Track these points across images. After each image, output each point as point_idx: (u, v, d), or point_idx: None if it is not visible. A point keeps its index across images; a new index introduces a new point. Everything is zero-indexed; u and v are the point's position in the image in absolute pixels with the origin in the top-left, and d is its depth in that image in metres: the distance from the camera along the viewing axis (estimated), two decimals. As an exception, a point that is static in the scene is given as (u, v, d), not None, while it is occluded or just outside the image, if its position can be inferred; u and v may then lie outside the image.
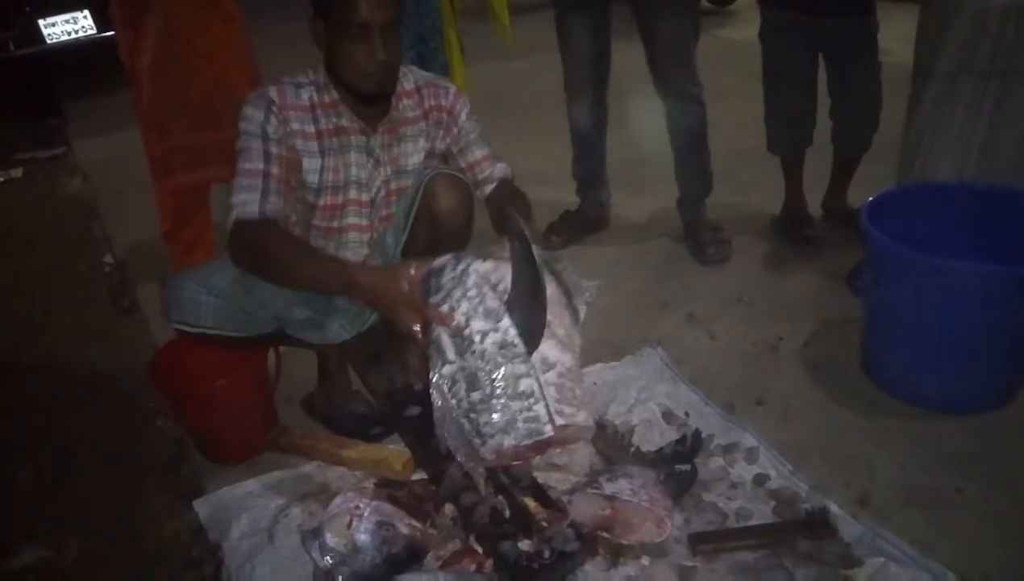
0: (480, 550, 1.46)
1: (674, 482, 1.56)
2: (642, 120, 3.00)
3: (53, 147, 3.85)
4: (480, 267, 1.37)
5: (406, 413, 1.77)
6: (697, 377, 1.99)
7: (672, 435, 1.76)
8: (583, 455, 1.70)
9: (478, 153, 1.78)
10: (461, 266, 1.36)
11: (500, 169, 1.80)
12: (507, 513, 1.49)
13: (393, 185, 1.75)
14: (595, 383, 1.98)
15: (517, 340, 1.29)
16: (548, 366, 1.36)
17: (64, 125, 3.85)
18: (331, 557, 1.37)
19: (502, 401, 1.29)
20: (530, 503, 1.50)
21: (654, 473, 1.54)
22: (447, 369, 1.32)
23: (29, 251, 3.12)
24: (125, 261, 2.75)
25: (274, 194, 1.58)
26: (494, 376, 1.28)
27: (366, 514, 1.41)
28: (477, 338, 1.29)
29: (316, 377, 1.97)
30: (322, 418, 1.93)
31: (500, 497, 1.51)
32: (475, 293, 1.32)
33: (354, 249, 1.78)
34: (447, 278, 1.34)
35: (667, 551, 1.45)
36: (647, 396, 1.91)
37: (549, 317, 1.41)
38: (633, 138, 3.20)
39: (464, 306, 1.31)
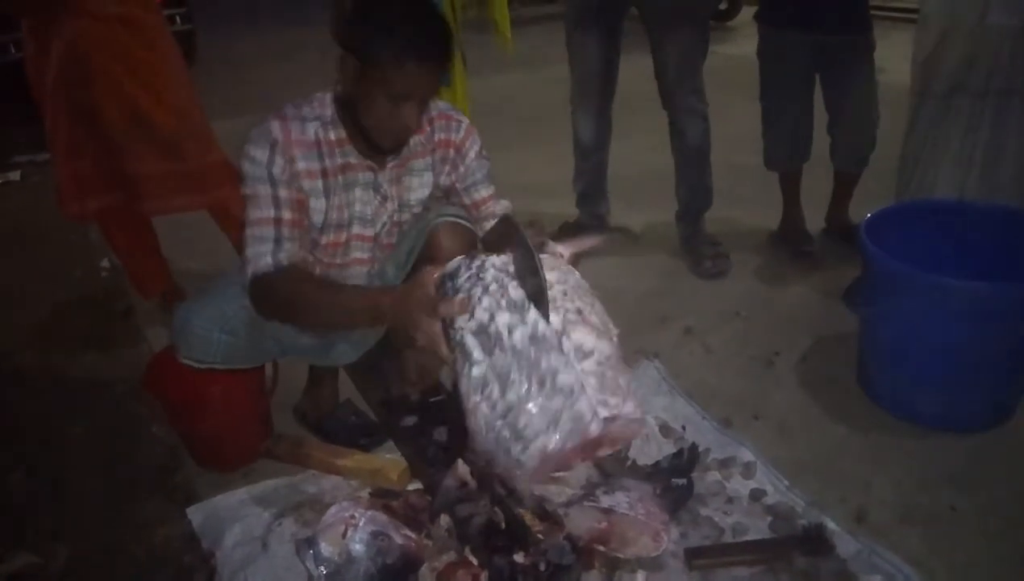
0: (475, 562, 1.45)
1: (671, 496, 1.55)
2: (641, 133, 3.01)
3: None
4: (496, 260, 1.28)
5: (402, 423, 1.77)
6: (694, 391, 1.99)
7: (669, 449, 1.76)
8: (580, 467, 1.70)
9: (483, 193, 1.75)
10: (476, 263, 1.27)
11: (501, 206, 1.78)
12: (503, 525, 1.48)
13: (396, 217, 1.71)
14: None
15: (549, 331, 1.20)
16: (585, 354, 1.26)
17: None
18: (325, 567, 1.37)
19: (540, 400, 1.18)
20: (526, 515, 1.49)
21: (651, 487, 1.54)
22: (476, 371, 1.20)
23: (25, 254, 3.12)
24: (121, 266, 2.76)
25: (288, 241, 1.51)
26: (529, 373, 1.18)
27: (361, 524, 1.40)
28: (505, 333, 1.18)
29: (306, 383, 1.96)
30: (312, 427, 1.92)
31: (496, 508, 1.50)
32: (496, 287, 1.21)
33: (355, 277, 1.75)
34: (463, 278, 1.24)
35: (663, 565, 1.45)
36: (644, 409, 1.90)
37: (579, 304, 1.32)
38: (632, 151, 3.21)
39: (486, 301, 1.20)
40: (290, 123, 1.52)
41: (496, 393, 1.19)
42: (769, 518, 1.56)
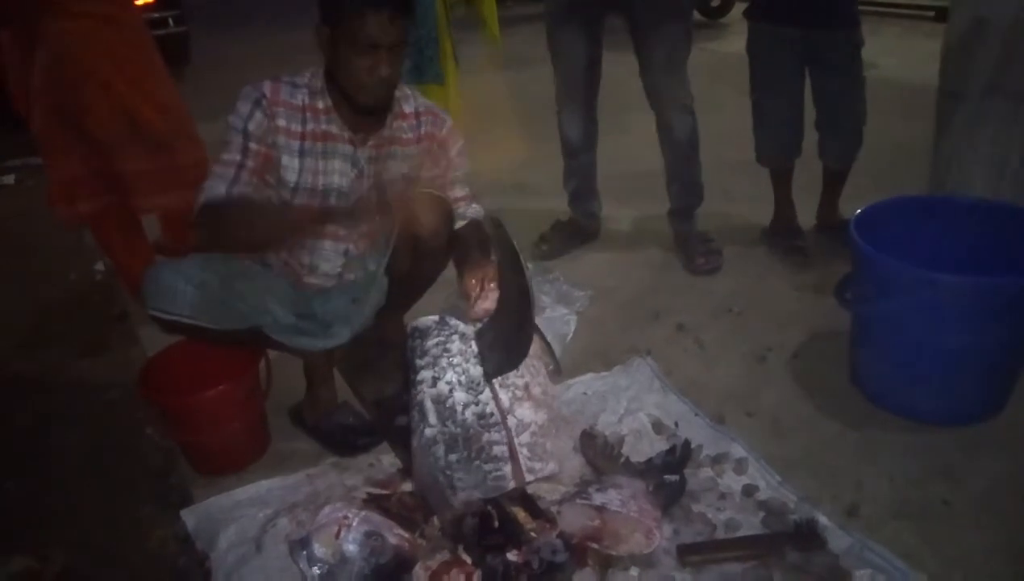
0: (468, 560, 1.45)
1: (663, 493, 1.56)
2: (632, 131, 3.01)
3: (44, 154, 3.75)
4: (465, 331, 1.48)
5: (396, 422, 1.77)
6: (687, 387, 2.00)
7: (662, 445, 1.76)
8: (573, 465, 1.70)
9: (459, 192, 1.82)
10: (446, 332, 1.45)
11: (473, 210, 1.84)
12: (496, 523, 1.48)
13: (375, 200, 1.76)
14: (585, 393, 1.99)
15: (495, 410, 1.42)
16: (524, 427, 1.50)
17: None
18: (319, 567, 1.37)
19: (476, 463, 1.42)
20: (519, 513, 1.50)
21: (643, 483, 1.54)
22: (428, 431, 1.42)
23: (19, 258, 3.12)
24: (114, 269, 2.75)
25: (244, 184, 1.63)
26: (471, 444, 1.40)
27: (354, 524, 1.41)
28: (459, 408, 1.41)
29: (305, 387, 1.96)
30: (309, 429, 1.92)
31: (489, 507, 1.51)
32: (459, 360, 1.43)
33: (328, 258, 1.80)
34: (432, 343, 1.43)
35: (656, 562, 1.46)
36: (637, 406, 1.91)
37: (527, 378, 1.51)
38: (623, 149, 3.21)
39: (450, 375, 1.42)
40: (282, 85, 1.66)
41: (441, 452, 1.41)
42: (761, 514, 1.57)
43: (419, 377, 1.44)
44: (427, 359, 1.43)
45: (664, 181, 2.73)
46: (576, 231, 2.85)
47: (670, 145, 2.62)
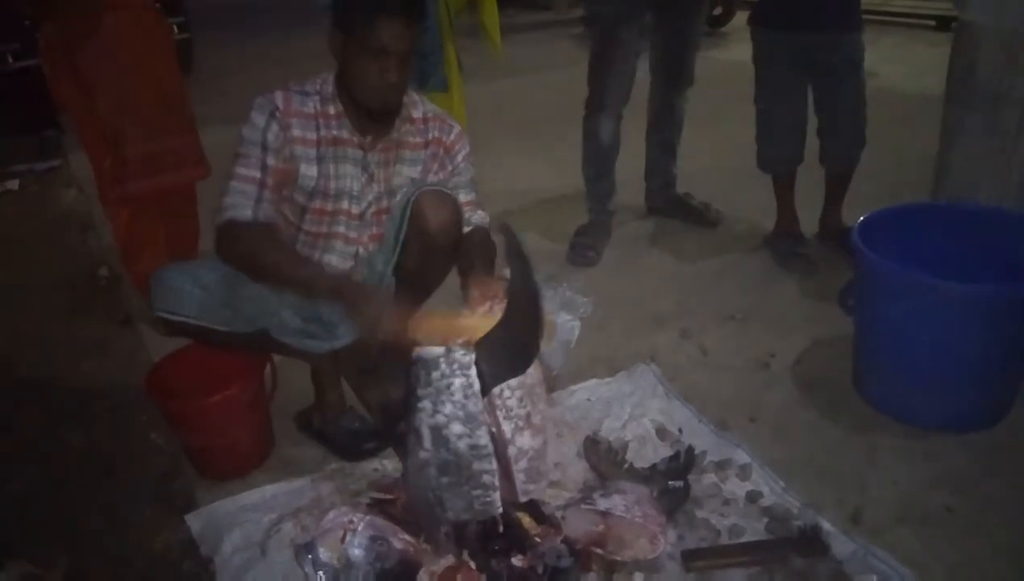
0: (473, 566, 1.46)
1: (667, 498, 1.56)
2: (631, 140, 3.03)
3: (49, 159, 3.88)
4: (469, 366, 1.49)
5: (401, 427, 1.77)
6: (690, 393, 2.00)
7: (665, 451, 1.77)
8: (577, 471, 1.71)
9: (463, 197, 1.83)
10: (450, 365, 1.47)
11: (479, 216, 1.85)
12: (501, 528, 1.49)
13: (384, 203, 1.78)
14: (589, 399, 1.99)
15: (488, 443, 1.45)
16: (523, 454, 1.54)
17: (60, 137, 3.86)
18: (324, 572, 1.37)
19: (466, 488, 1.45)
20: (524, 518, 1.51)
21: (647, 489, 1.55)
22: (423, 455, 1.46)
23: (24, 263, 3.13)
24: (120, 274, 2.76)
25: (266, 202, 1.65)
26: (462, 471, 1.45)
27: (360, 529, 1.41)
28: (454, 438, 1.44)
29: (313, 391, 1.97)
30: (316, 434, 1.93)
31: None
32: (459, 397, 1.45)
33: (340, 255, 1.81)
34: (435, 375, 1.46)
35: (660, 567, 1.46)
36: (641, 412, 1.92)
37: (529, 408, 1.53)
38: (622, 156, 3.22)
39: (448, 408, 1.45)
40: (292, 95, 1.68)
41: (433, 475, 1.45)
42: (765, 520, 1.57)
43: (420, 405, 1.46)
44: (429, 390, 1.46)
45: (656, 159, 3.00)
46: (604, 230, 2.90)
47: (677, 120, 2.95)
